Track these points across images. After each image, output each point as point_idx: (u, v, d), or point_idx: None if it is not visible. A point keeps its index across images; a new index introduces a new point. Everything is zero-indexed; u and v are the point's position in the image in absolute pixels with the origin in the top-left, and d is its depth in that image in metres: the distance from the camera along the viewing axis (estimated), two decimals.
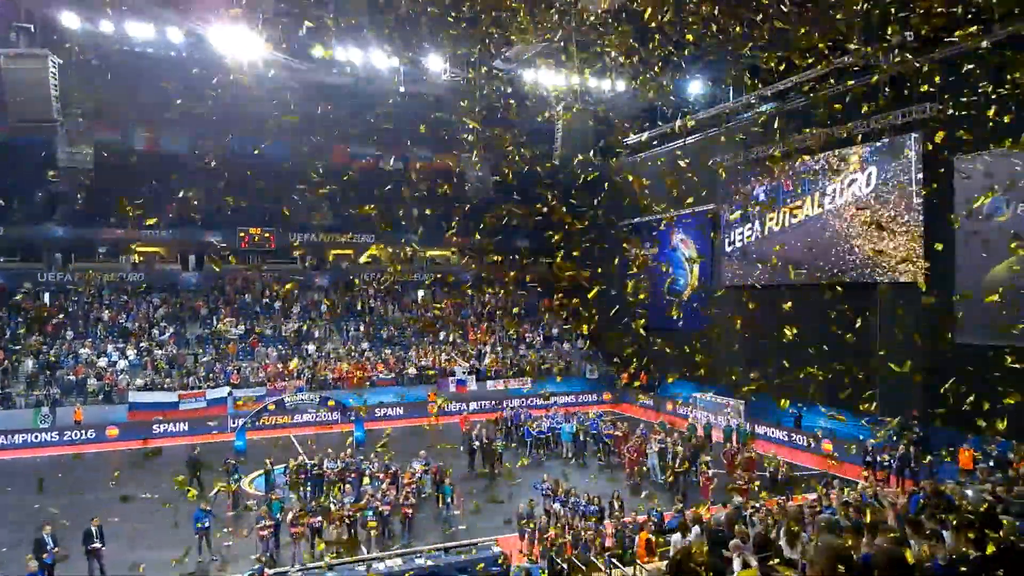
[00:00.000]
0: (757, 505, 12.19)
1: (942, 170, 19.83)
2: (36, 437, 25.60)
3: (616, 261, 32.04)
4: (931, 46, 18.39)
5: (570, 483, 16.27)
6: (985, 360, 15.35)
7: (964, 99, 14.51)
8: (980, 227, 17.98)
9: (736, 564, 7.24)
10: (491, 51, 24.63)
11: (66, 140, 28.34)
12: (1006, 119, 14.63)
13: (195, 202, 32.30)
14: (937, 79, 17.74)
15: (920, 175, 21.06)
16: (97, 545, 13.35)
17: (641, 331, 27.59)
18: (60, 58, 22.18)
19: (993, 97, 13.23)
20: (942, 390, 11.40)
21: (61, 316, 31.49)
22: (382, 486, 16.56)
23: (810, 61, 17.32)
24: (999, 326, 16.98)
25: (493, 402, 30.28)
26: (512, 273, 38.26)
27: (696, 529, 10.75)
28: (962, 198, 18.96)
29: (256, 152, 30.33)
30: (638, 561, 11.40)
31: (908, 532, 7.02)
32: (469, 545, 13.34)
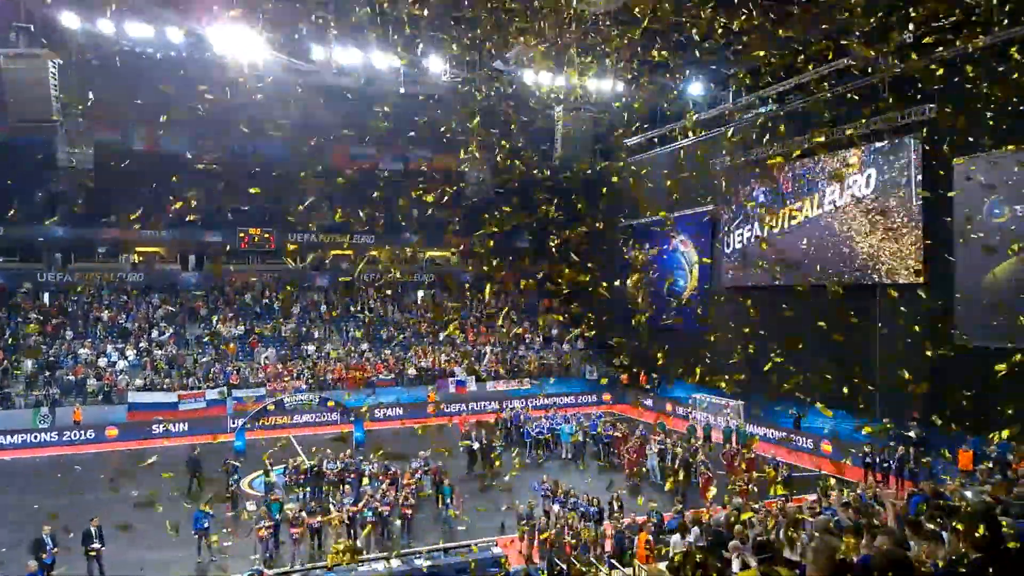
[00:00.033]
0: (756, 507, 12.20)
1: (943, 173, 19.82)
2: (35, 437, 25.58)
3: (616, 263, 32.06)
4: (931, 47, 18.40)
5: (569, 484, 16.27)
6: (985, 361, 15.35)
7: (964, 101, 14.54)
8: (979, 228, 18.00)
9: (735, 565, 7.24)
10: (491, 52, 24.64)
11: (66, 140, 28.32)
12: (1004, 123, 14.70)
13: (194, 203, 32.30)
14: (940, 71, 17.67)
15: (919, 176, 21.06)
16: (97, 546, 13.33)
17: (643, 326, 27.52)
18: (60, 58, 22.19)
19: (992, 99, 13.26)
20: (944, 398, 11.41)
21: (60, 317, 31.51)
22: (381, 487, 16.55)
23: (810, 64, 17.37)
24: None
25: (493, 402, 30.29)
26: (510, 273, 38.23)
27: (696, 530, 10.76)
28: (961, 199, 18.97)
29: (255, 160, 30.35)
30: (637, 562, 11.40)
31: (907, 533, 7.01)
32: (468, 546, 13.35)
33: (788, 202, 25.75)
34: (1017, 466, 14.93)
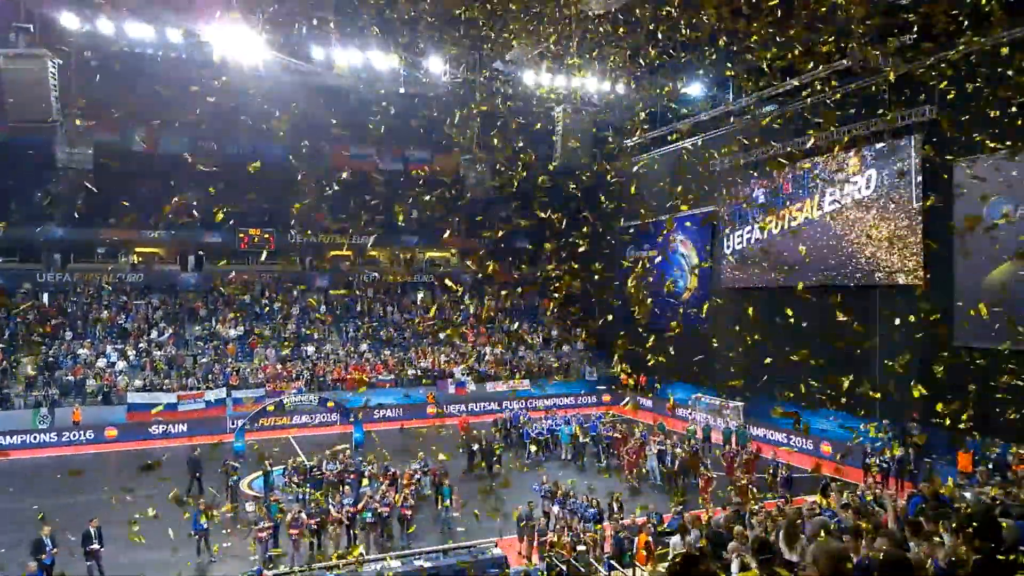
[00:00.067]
0: (756, 508, 12.19)
1: (944, 175, 19.82)
2: (35, 438, 25.56)
3: (616, 264, 32.02)
4: (931, 49, 18.38)
5: (569, 485, 16.25)
6: (985, 363, 15.37)
7: (964, 102, 14.53)
8: (979, 230, 17.96)
9: (735, 566, 7.23)
10: (491, 52, 24.63)
11: (65, 140, 28.32)
12: (1004, 125, 14.66)
13: (194, 203, 32.28)
14: (944, 71, 17.65)
15: (919, 178, 21.05)
16: (96, 546, 13.32)
17: (643, 323, 27.46)
18: (60, 58, 22.17)
19: (993, 100, 13.24)
20: (941, 407, 11.38)
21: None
22: (381, 487, 16.54)
23: (810, 65, 17.34)
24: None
25: (493, 403, 30.28)
26: (508, 274, 38.23)
27: (695, 531, 10.74)
28: (961, 201, 18.95)
29: (255, 161, 30.26)
30: (637, 563, 11.39)
31: (907, 534, 7.01)
32: (468, 547, 13.33)
33: (788, 203, 25.75)
34: (1016, 468, 14.95)
